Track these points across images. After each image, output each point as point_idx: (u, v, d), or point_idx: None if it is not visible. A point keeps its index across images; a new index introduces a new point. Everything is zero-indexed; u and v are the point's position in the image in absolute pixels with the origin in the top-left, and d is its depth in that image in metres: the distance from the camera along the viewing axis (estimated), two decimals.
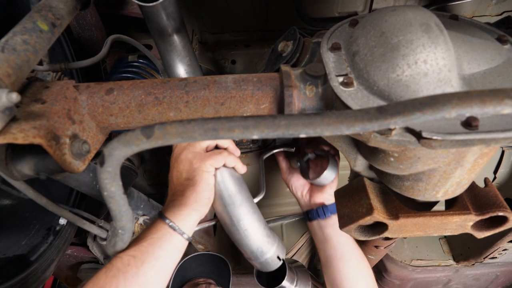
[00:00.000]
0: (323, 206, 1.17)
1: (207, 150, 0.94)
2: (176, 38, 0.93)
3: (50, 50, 0.98)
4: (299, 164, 1.20)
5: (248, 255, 1.03)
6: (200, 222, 0.93)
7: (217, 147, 0.96)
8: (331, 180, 1.15)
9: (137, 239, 0.81)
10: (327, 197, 1.19)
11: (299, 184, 1.23)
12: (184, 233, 0.85)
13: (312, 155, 1.20)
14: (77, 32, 1.32)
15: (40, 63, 0.97)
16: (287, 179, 1.26)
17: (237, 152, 0.99)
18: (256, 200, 1.04)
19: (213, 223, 1.04)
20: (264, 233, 1.00)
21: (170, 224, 0.83)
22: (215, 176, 0.91)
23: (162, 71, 1.19)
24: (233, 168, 0.95)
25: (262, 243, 1.00)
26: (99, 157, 0.54)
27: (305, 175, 1.20)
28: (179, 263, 1.71)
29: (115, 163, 0.53)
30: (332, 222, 1.15)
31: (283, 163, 1.28)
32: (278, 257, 1.07)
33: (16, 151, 0.68)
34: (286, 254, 2.07)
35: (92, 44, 1.33)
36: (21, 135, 0.58)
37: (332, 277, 1.11)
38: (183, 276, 1.68)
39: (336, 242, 1.12)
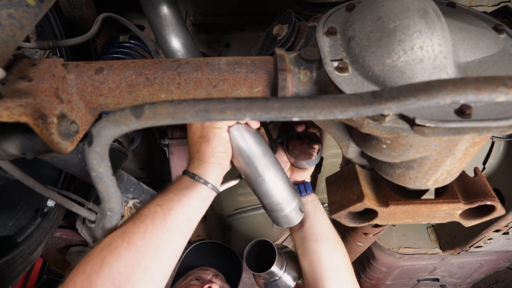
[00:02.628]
0: (304, 183, 1.17)
1: None
2: (168, 11, 0.91)
3: (38, 28, 0.95)
4: (281, 140, 1.17)
5: (273, 207, 0.99)
6: (224, 182, 0.96)
7: None
8: (315, 164, 1.18)
9: (162, 192, 0.83)
10: (307, 176, 1.20)
11: (281, 161, 1.16)
12: (208, 182, 0.85)
13: (294, 133, 1.18)
14: (67, 10, 1.29)
15: (28, 40, 0.94)
16: None
17: None
18: None
19: (237, 181, 1.02)
20: (287, 183, 0.98)
21: (191, 175, 0.85)
22: (232, 133, 0.91)
23: (154, 52, 1.16)
24: (246, 123, 0.94)
25: (287, 193, 0.97)
26: (87, 137, 0.53)
27: (290, 152, 1.18)
28: (196, 243, 1.72)
29: (104, 143, 0.52)
30: (311, 199, 1.16)
31: (264, 139, 1.21)
32: (301, 209, 1.03)
33: (2, 130, 0.66)
34: (276, 241, 2.09)
35: (83, 24, 1.30)
36: (6, 113, 0.56)
37: (309, 257, 1.11)
38: (197, 257, 1.70)
39: (314, 220, 1.13)
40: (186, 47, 0.95)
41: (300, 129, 1.13)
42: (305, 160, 1.13)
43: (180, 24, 0.93)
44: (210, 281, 1.52)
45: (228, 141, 0.90)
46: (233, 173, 0.99)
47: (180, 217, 0.79)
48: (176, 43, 0.94)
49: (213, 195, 0.88)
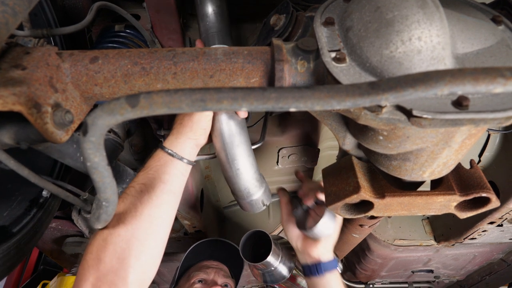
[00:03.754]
0: (317, 264, 1.09)
1: None
2: None
3: (31, 16, 0.93)
4: (298, 212, 1.15)
5: (235, 193, 1.08)
6: (201, 154, 1.02)
7: None
8: (327, 233, 1.07)
9: (143, 169, 0.91)
10: (323, 251, 1.10)
11: (294, 234, 1.15)
12: (183, 158, 0.92)
13: (312, 204, 1.13)
14: None
15: (21, 28, 0.93)
16: (285, 226, 1.18)
17: None
18: (254, 147, 1.07)
19: (211, 156, 1.07)
20: (253, 177, 1.04)
21: (169, 151, 0.91)
22: (218, 114, 0.96)
23: (150, 42, 1.15)
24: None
25: (250, 185, 1.04)
26: (82, 127, 0.52)
27: (300, 225, 1.14)
28: (194, 244, 1.72)
29: (99, 132, 0.51)
30: (324, 282, 1.09)
31: (285, 208, 1.19)
32: (263, 202, 1.10)
33: None
34: (272, 232, 2.10)
35: (77, 12, 1.28)
36: None
37: None
38: (197, 255, 1.70)
39: None
40: (216, 16, 1.05)
41: (309, 202, 1.12)
42: (312, 227, 1.06)
43: None
44: (213, 282, 1.51)
45: (210, 119, 0.95)
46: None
47: (164, 192, 0.88)
48: (209, 9, 1.03)
49: (189, 168, 0.96)
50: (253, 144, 1.07)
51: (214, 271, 1.60)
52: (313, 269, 1.09)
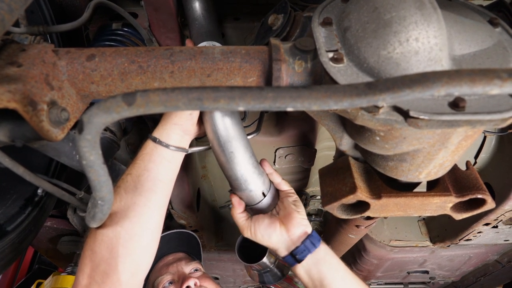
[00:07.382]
0: (309, 237, 0.97)
1: None
2: None
3: (28, 12, 0.93)
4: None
5: (233, 184, 1.00)
6: (194, 146, 1.00)
7: None
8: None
9: (133, 160, 0.92)
10: (302, 221, 1.00)
11: (264, 225, 1.02)
12: (169, 145, 0.91)
13: None
14: None
15: (17, 25, 0.92)
16: (253, 232, 1.04)
17: None
18: (249, 137, 1.02)
19: (208, 147, 1.01)
20: (250, 162, 0.97)
21: (152, 137, 0.91)
22: None
23: (147, 41, 1.15)
24: None
25: (246, 171, 0.97)
26: (78, 124, 0.52)
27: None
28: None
29: (95, 130, 0.51)
30: (322, 254, 0.97)
31: (240, 218, 1.05)
32: (263, 193, 1.03)
33: None
34: None
35: (74, 10, 1.28)
36: None
37: None
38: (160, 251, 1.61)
39: (332, 281, 0.95)
40: (204, 18, 1.05)
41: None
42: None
43: None
44: (182, 276, 1.42)
45: None
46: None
47: (149, 180, 0.87)
48: (196, 12, 1.03)
49: (179, 155, 0.94)
50: (248, 135, 1.03)
51: (175, 265, 1.48)
52: (308, 245, 0.96)
